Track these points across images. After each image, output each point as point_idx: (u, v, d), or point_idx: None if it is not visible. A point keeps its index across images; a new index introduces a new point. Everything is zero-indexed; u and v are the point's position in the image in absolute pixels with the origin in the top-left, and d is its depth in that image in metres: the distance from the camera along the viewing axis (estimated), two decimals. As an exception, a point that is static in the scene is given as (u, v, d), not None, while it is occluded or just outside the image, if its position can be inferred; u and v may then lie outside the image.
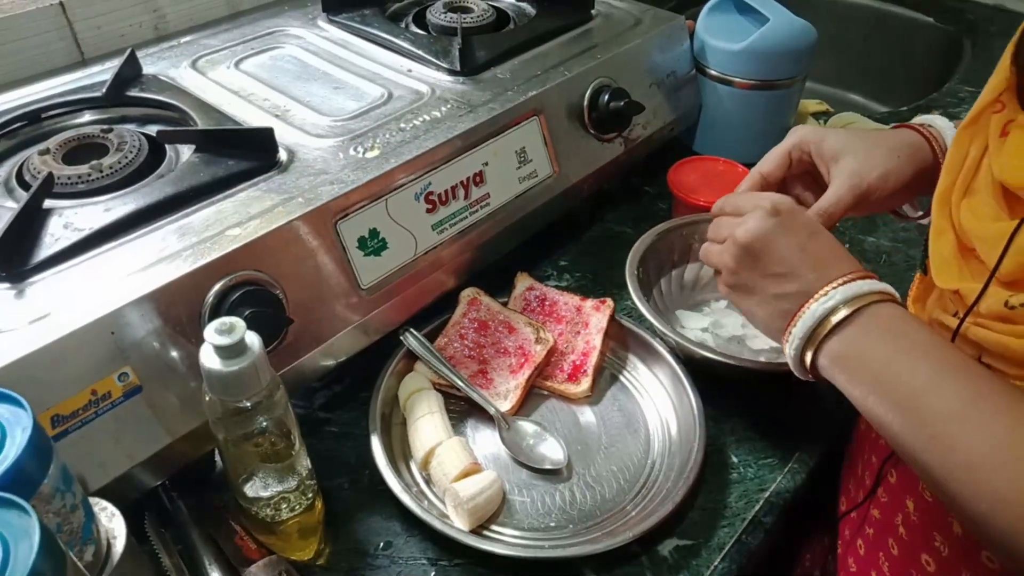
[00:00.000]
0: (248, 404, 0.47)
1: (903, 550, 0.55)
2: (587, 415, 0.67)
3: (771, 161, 0.62)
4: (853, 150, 0.58)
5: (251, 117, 0.69)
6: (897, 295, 0.48)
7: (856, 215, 0.63)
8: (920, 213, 0.63)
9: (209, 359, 0.45)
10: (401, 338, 0.68)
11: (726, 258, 0.53)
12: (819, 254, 0.50)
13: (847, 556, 0.63)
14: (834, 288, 0.47)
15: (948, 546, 0.50)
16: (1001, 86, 0.47)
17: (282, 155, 0.64)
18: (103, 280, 0.51)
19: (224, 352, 0.44)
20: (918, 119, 0.61)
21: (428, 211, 0.67)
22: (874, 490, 0.58)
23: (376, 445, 0.60)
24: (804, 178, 0.63)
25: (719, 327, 0.73)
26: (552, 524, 0.59)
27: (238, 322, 0.45)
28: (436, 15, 0.87)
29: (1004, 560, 0.40)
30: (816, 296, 0.48)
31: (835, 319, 0.47)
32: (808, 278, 0.49)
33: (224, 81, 0.76)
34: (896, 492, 0.55)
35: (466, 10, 0.89)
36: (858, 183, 0.57)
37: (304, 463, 0.53)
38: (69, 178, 0.59)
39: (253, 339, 0.46)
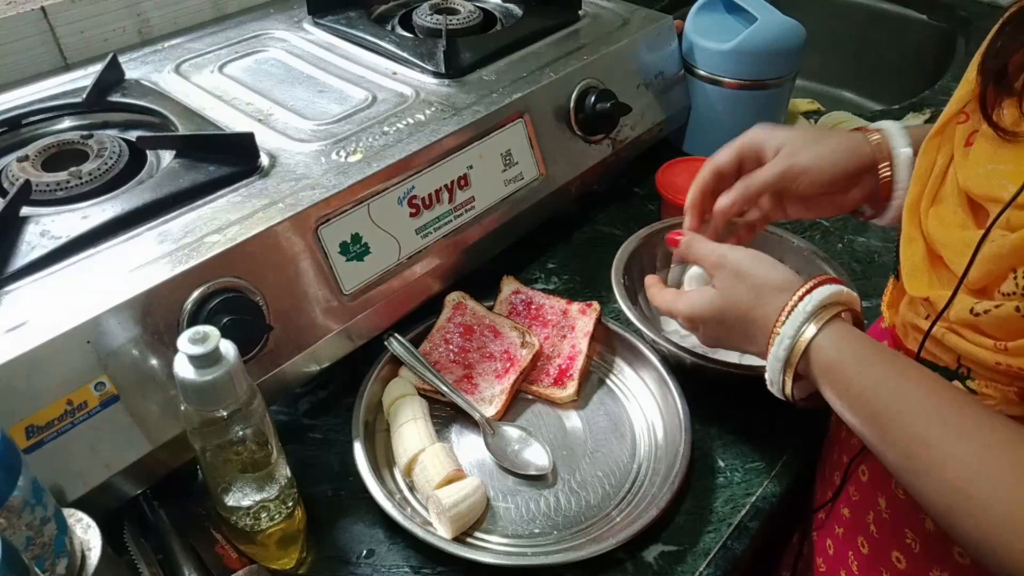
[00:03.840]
0: (224, 414, 0.46)
1: (874, 548, 0.55)
2: (573, 420, 0.66)
3: (723, 155, 0.63)
4: (793, 140, 0.60)
5: (233, 122, 0.69)
6: (845, 293, 0.50)
7: (807, 214, 0.65)
8: (872, 212, 0.63)
9: (183, 369, 0.44)
10: (385, 343, 0.68)
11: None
12: (738, 324, 0.53)
13: (816, 556, 0.63)
14: (775, 345, 0.50)
15: (920, 542, 0.50)
16: (967, 97, 0.47)
17: (264, 160, 0.64)
18: (80, 288, 0.51)
19: (198, 362, 0.44)
20: (875, 124, 0.62)
21: (412, 215, 0.67)
22: (842, 488, 0.58)
23: (359, 452, 0.60)
24: None
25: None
26: (536, 531, 0.58)
27: (212, 331, 0.44)
28: (422, 17, 0.87)
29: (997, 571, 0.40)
30: (768, 351, 0.51)
31: (797, 353, 0.49)
32: (747, 347, 0.54)
33: (207, 85, 0.75)
34: (868, 490, 0.55)
35: (452, 12, 0.89)
36: (786, 159, 0.59)
37: (284, 472, 0.53)
38: (47, 185, 0.59)
39: (228, 348, 0.45)
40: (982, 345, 0.42)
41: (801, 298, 0.49)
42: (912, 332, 0.49)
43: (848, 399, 0.46)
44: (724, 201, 0.61)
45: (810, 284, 0.50)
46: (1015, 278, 0.40)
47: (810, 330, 0.48)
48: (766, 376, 0.52)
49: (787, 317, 0.49)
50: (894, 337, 0.54)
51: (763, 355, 0.52)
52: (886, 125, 0.60)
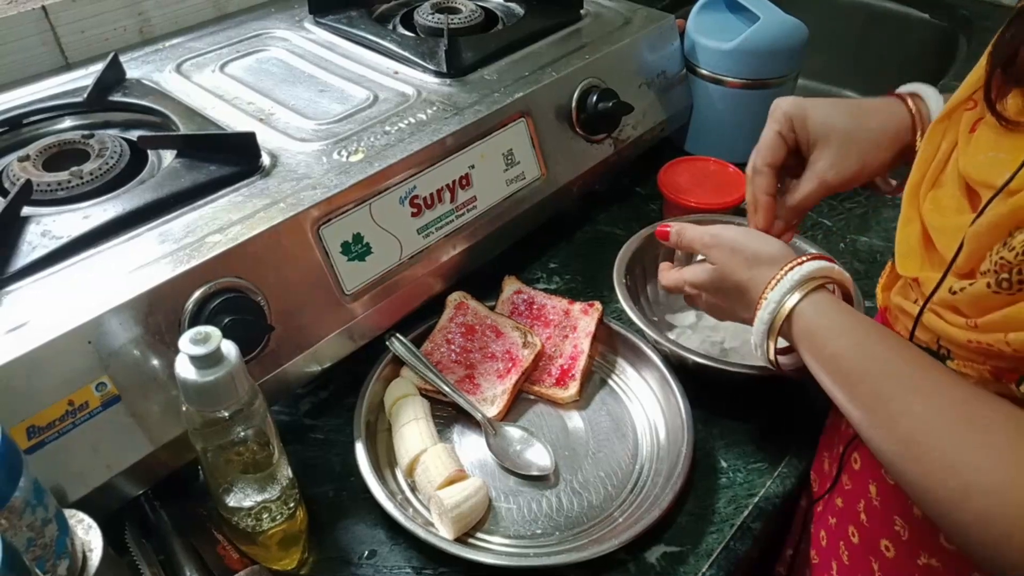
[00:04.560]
0: (226, 414, 0.46)
1: (864, 537, 0.55)
2: (575, 420, 0.66)
3: (770, 150, 0.62)
4: (832, 136, 0.59)
5: (235, 121, 0.69)
6: (835, 270, 0.53)
7: None
8: (895, 184, 0.64)
9: (184, 369, 0.44)
10: (387, 343, 0.68)
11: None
12: (739, 291, 0.56)
13: (810, 548, 0.63)
14: (761, 309, 0.53)
15: (908, 529, 0.51)
16: (976, 85, 0.47)
17: (265, 160, 0.63)
18: (81, 289, 0.51)
19: (199, 362, 0.44)
20: (909, 87, 0.61)
21: (413, 215, 0.67)
22: (838, 478, 0.58)
23: (360, 452, 0.60)
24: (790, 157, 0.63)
25: (715, 330, 0.72)
26: (538, 531, 0.58)
27: (213, 331, 0.44)
28: (423, 16, 0.87)
29: (953, 537, 0.42)
30: (755, 314, 0.53)
31: (781, 318, 0.52)
32: (742, 315, 0.56)
33: (208, 85, 0.75)
34: (860, 477, 0.56)
35: (454, 11, 0.89)
36: (827, 181, 0.60)
37: (285, 472, 0.53)
38: (48, 185, 0.59)
39: (229, 348, 0.45)
40: (955, 324, 0.43)
41: (791, 268, 0.52)
42: (902, 317, 0.50)
43: (822, 361, 0.49)
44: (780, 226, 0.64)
45: (802, 258, 0.53)
46: (991, 256, 0.40)
47: (794, 297, 0.51)
48: (752, 340, 0.55)
49: (776, 284, 0.52)
50: (884, 321, 0.55)
51: (752, 321, 0.54)
52: (927, 93, 0.59)
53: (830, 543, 0.60)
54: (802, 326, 0.51)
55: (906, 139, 0.59)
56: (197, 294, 0.53)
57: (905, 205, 0.50)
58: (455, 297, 0.73)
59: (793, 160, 0.62)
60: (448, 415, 0.67)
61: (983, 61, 0.47)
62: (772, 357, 0.54)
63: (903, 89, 0.61)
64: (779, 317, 0.51)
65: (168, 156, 0.64)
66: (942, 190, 0.48)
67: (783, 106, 0.61)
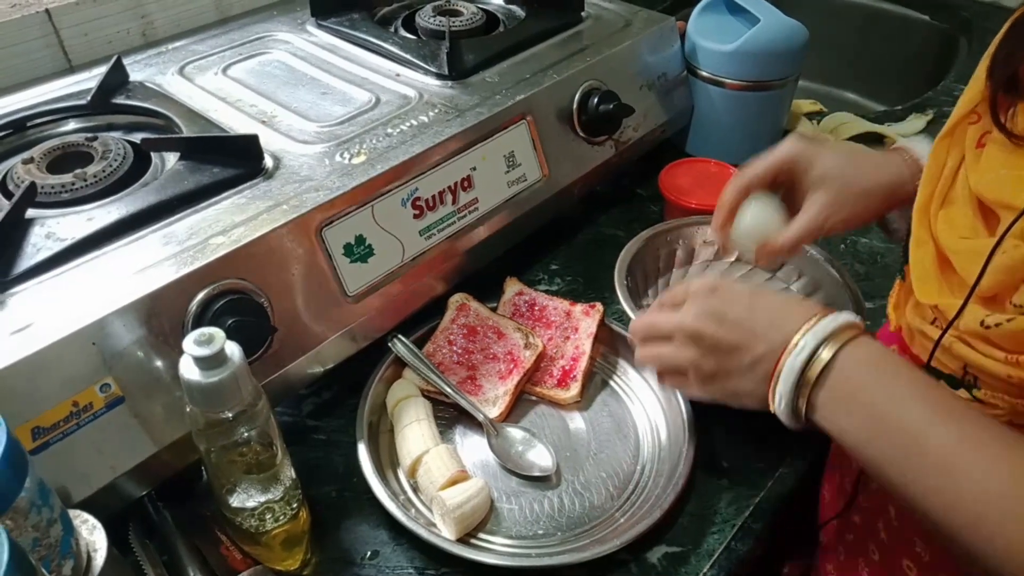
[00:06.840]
0: (229, 415, 0.46)
1: (885, 555, 0.55)
2: (577, 421, 0.66)
3: (759, 169, 0.61)
4: (829, 183, 0.58)
5: (237, 124, 0.69)
6: (862, 324, 0.48)
7: None
8: (902, 228, 0.63)
9: (188, 370, 0.44)
10: (389, 344, 0.68)
11: (686, 354, 0.52)
12: (769, 308, 0.50)
13: (826, 564, 0.62)
14: (802, 335, 0.46)
15: (929, 553, 0.50)
16: (977, 98, 0.47)
17: (267, 162, 0.64)
18: (85, 290, 0.51)
19: (203, 363, 0.44)
20: (904, 143, 0.60)
21: (415, 217, 0.67)
22: (855, 496, 0.58)
23: (363, 453, 0.60)
24: (781, 188, 0.62)
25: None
26: (540, 532, 0.58)
27: (217, 332, 0.44)
28: (425, 19, 0.87)
29: None
30: (788, 348, 0.47)
31: (818, 367, 0.46)
32: (770, 336, 0.48)
33: (211, 87, 0.75)
34: (878, 498, 0.55)
35: (455, 13, 0.89)
36: (817, 226, 0.58)
37: (288, 473, 0.53)
38: (52, 187, 0.59)
39: (233, 349, 0.45)
40: (992, 357, 0.42)
41: (823, 317, 0.47)
42: (919, 338, 0.49)
43: (871, 423, 0.44)
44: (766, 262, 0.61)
45: (834, 312, 0.48)
46: None
47: (833, 346, 0.46)
48: (776, 392, 0.48)
49: (811, 328, 0.47)
50: (900, 341, 0.54)
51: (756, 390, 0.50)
52: (919, 147, 0.59)
53: (848, 560, 0.59)
54: (854, 381, 0.45)
55: (901, 193, 0.58)
56: (201, 296, 0.53)
57: (915, 226, 0.49)
58: (457, 299, 0.73)
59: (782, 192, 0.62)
60: (450, 416, 0.67)
61: (980, 73, 0.47)
62: (803, 408, 0.47)
63: (900, 144, 0.61)
64: (816, 363, 0.45)
65: (171, 158, 0.65)
66: (954, 209, 0.47)
67: (797, 146, 0.60)
